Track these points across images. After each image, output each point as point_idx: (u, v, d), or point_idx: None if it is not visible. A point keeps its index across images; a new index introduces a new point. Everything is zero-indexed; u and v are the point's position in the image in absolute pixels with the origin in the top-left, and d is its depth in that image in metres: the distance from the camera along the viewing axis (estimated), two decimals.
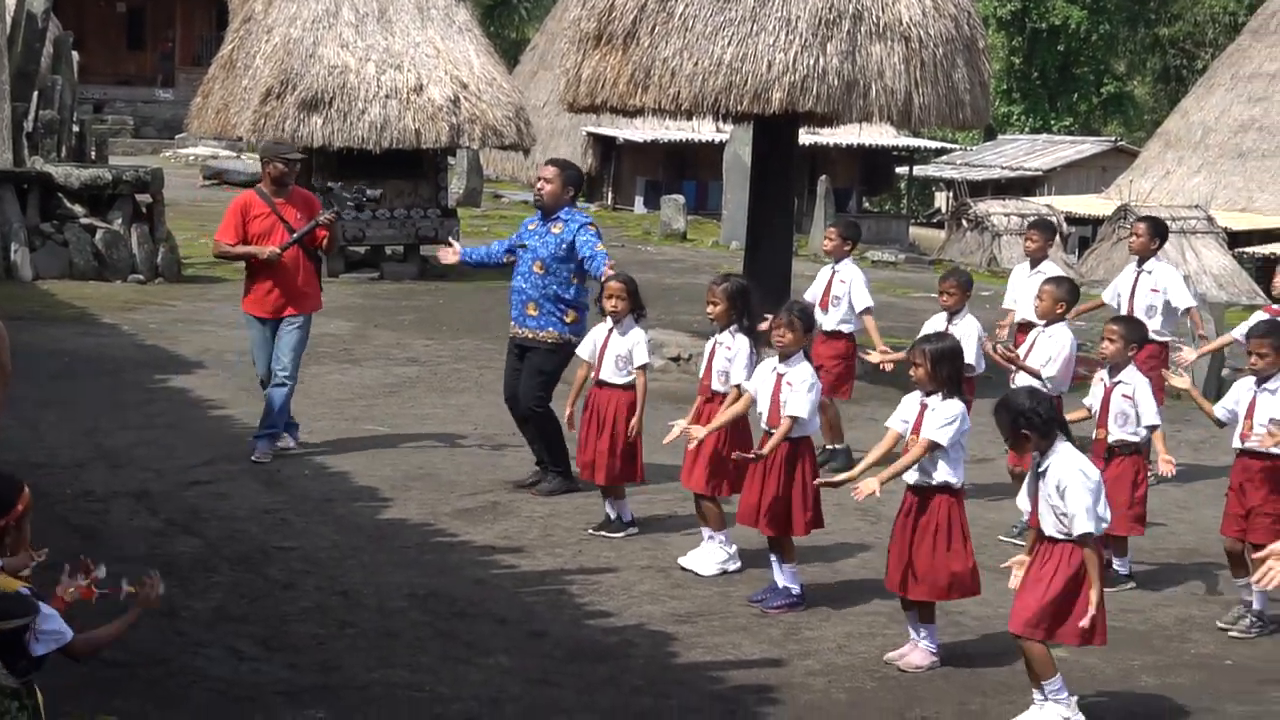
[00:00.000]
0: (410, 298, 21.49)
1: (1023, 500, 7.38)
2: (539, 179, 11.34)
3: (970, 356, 11.43)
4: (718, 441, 9.49)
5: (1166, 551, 10.73)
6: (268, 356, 11.99)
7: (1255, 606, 9.05)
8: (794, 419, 8.84)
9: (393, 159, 22.45)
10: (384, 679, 7.56)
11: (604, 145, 43.58)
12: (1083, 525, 7.10)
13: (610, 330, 10.41)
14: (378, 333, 18.33)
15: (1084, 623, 7.11)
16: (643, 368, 10.39)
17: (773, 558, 9.08)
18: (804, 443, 9.01)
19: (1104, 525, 7.26)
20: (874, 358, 11.49)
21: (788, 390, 8.89)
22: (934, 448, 7.94)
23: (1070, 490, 7.11)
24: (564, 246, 11.13)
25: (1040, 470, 7.24)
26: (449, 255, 11.78)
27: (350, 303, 20.32)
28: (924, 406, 8.06)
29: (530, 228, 11.36)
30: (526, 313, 11.27)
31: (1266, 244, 35.23)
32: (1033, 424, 7.16)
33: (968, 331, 11.42)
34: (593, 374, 10.48)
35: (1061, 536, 7.17)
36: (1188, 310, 12.67)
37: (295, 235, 11.81)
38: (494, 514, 10.74)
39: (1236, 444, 9.18)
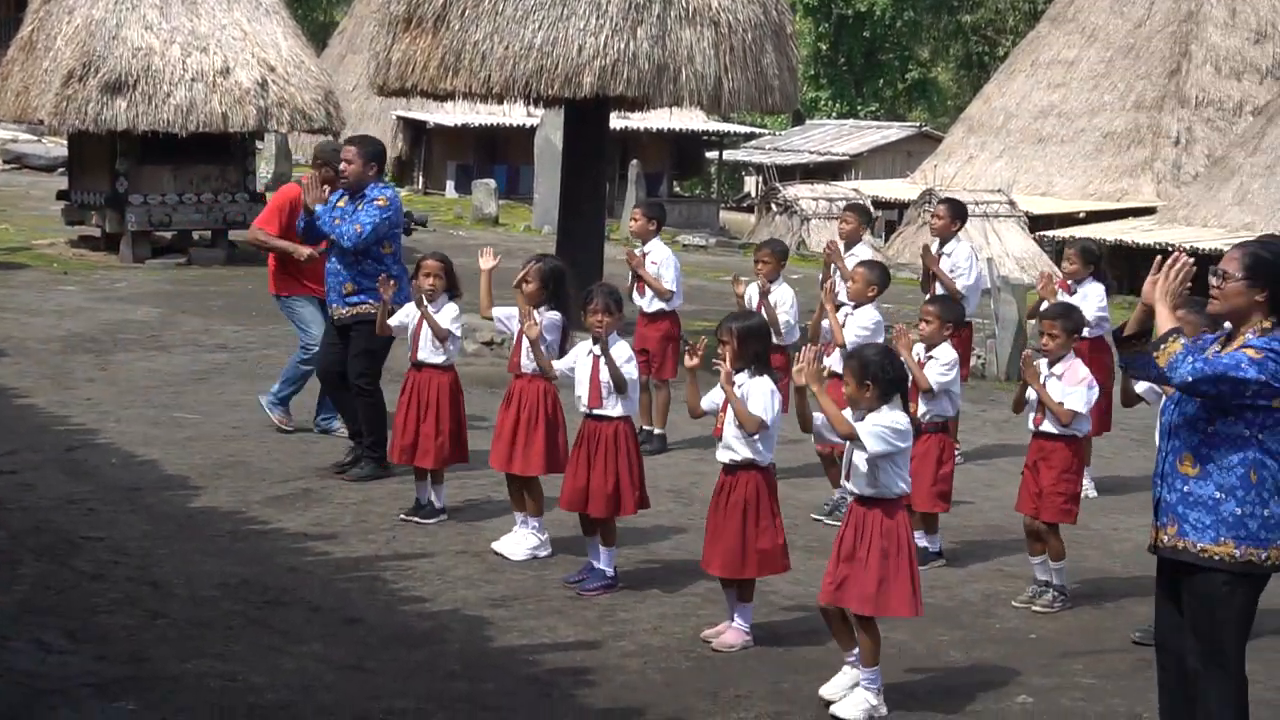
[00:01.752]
0: (219, 283, 21.14)
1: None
2: (341, 161, 11.23)
3: (784, 325, 11.66)
4: (530, 424, 9.51)
5: (973, 529, 10.95)
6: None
7: (1055, 582, 9.27)
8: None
9: (199, 143, 22.11)
10: (196, 669, 7.46)
11: (414, 129, 43.34)
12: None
13: (425, 308, 10.35)
14: (186, 319, 18.01)
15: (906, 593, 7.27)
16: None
17: (591, 541, 9.11)
18: (626, 422, 9.04)
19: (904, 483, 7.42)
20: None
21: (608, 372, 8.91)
22: (763, 426, 8.00)
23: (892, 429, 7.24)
24: None
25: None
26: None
27: (158, 288, 19.98)
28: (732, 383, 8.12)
29: (339, 204, 11.23)
30: (344, 293, 11.18)
31: (1065, 227, 36.04)
32: (878, 379, 7.27)
33: (783, 299, 11.71)
34: (410, 355, 10.41)
35: (871, 493, 7.30)
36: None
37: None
38: (306, 501, 10.65)
39: (1030, 426, 9.41)
